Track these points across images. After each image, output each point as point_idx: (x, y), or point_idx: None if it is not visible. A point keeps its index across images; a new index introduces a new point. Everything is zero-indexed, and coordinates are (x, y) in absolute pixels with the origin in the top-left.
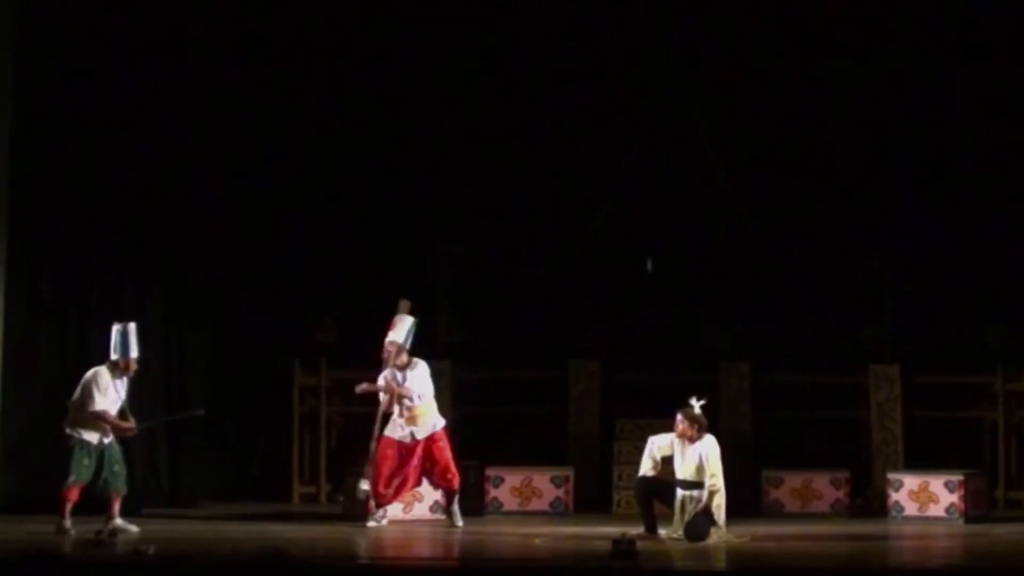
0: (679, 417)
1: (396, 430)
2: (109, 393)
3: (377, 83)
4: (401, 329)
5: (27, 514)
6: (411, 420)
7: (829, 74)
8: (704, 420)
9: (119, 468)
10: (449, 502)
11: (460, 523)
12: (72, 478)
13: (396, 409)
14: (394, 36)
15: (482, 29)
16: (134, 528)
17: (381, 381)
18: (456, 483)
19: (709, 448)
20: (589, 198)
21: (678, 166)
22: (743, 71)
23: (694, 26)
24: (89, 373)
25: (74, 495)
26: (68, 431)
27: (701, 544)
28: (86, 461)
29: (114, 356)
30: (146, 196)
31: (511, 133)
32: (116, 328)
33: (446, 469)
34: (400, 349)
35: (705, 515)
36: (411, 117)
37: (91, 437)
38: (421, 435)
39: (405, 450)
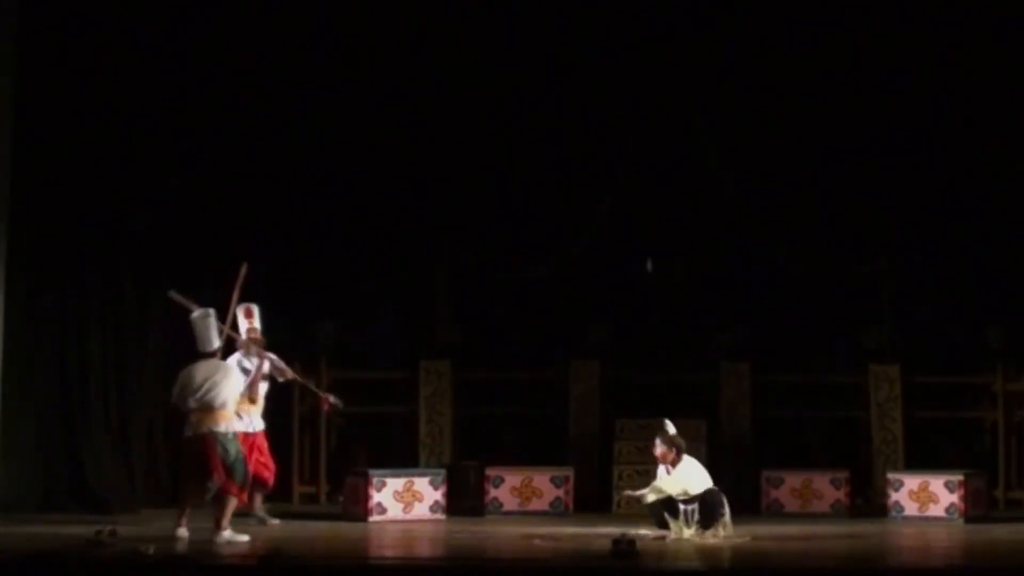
0: (657, 441)
1: (240, 423)
2: None
3: (378, 83)
4: (257, 316)
5: (27, 514)
6: (251, 410)
7: (829, 74)
8: (682, 441)
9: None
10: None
11: (275, 521)
12: (241, 475)
13: (246, 398)
14: (395, 36)
15: (484, 29)
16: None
17: (264, 366)
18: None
19: (683, 466)
20: (589, 198)
21: (678, 166)
22: (743, 71)
23: (695, 27)
24: (221, 368)
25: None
26: (224, 429)
27: (700, 542)
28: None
29: (211, 348)
30: (146, 198)
31: (511, 133)
32: (197, 314)
33: (270, 465)
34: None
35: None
36: (411, 116)
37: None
38: (260, 426)
39: (249, 442)
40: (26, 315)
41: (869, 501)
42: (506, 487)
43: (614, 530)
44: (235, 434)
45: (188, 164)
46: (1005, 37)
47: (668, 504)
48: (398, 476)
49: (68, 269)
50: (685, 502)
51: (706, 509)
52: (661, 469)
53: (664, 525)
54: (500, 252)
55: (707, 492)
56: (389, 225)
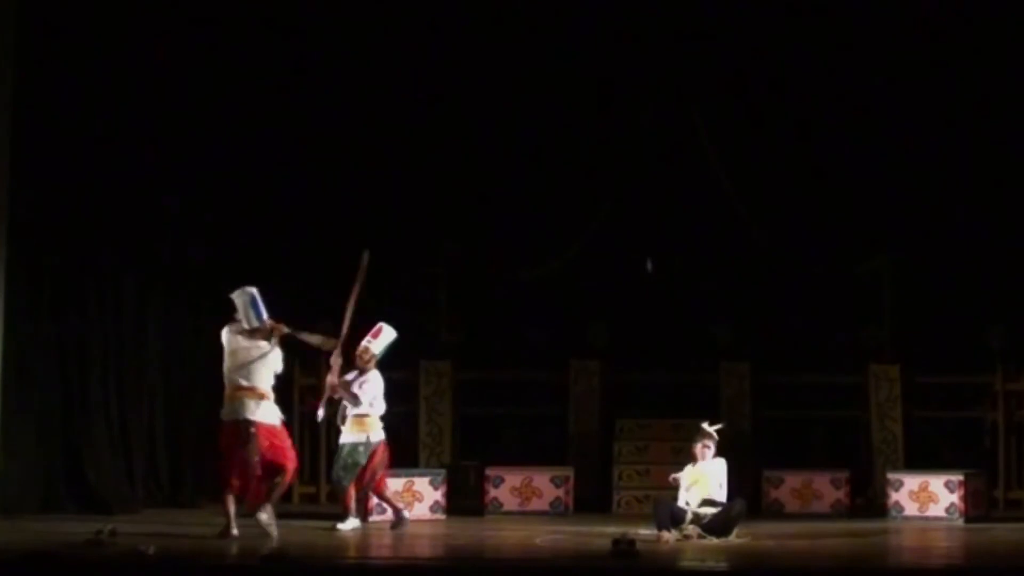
0: (707, 442)
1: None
2: None
3: (380, 83)
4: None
5: (27, 514)
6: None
7: (829, 74)
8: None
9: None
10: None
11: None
12: None
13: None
14: (395, 37)
15: (484, 29)
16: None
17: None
18: None
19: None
20: (589, 198)
21: (679, 166)
22: (744, 71)
23: (696, 26)
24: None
25: None
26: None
27: (706, 542)
28: None
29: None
30: (146, 195)
31: (511, 133)
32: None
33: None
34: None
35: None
36: (411, 116)
37: None
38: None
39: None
40: (26, 316)
41: (869, 501)
42: (506, 487)
43: (614, 530)
44: None
45: (188, 166)
46: (1006, 37)
47: (676, 508)
48: (398, 476)
49: (68, 270)
50: (708, 505)
51: (727, 520)
52: (694, 468)
53: (665, 527)
54: (500, 252)
55: (739, 503)
56: (390, 225)
